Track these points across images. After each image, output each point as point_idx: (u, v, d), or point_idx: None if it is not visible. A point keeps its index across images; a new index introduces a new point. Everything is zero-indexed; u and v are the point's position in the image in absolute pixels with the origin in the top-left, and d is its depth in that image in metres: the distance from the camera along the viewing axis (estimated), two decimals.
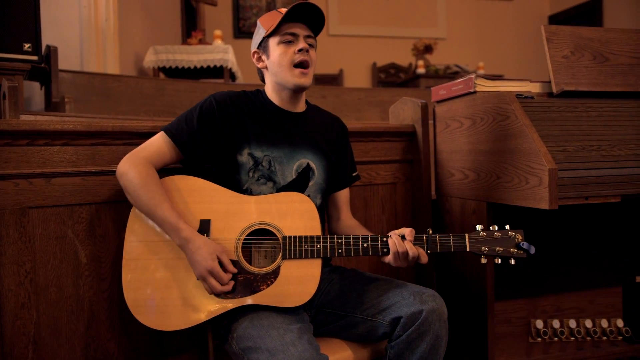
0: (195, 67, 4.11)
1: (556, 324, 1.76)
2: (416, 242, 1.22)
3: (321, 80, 6.53)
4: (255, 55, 1.41)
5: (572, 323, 1.78)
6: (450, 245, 1.23)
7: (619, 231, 1.82)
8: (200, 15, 4.76)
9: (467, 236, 1.24)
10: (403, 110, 1.97)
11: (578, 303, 1.81)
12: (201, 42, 4.23)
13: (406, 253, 1.19)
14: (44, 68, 2.68)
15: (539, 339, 1.75)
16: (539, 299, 1.78)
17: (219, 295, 1.19)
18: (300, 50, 1.31)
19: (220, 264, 1.18)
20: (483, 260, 1.24)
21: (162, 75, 4.30)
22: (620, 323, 1.81)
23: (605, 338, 1.80)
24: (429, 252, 1.23)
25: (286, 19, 1.31)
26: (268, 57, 1.36)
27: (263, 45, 1.38)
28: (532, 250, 1.21)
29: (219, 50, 4.05)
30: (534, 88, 1.71)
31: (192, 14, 5.49)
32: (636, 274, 1.85)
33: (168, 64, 4.06)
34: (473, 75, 1.65)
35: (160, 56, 4.05)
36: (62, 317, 1.34)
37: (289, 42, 1.32)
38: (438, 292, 1.92)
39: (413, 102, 1.91)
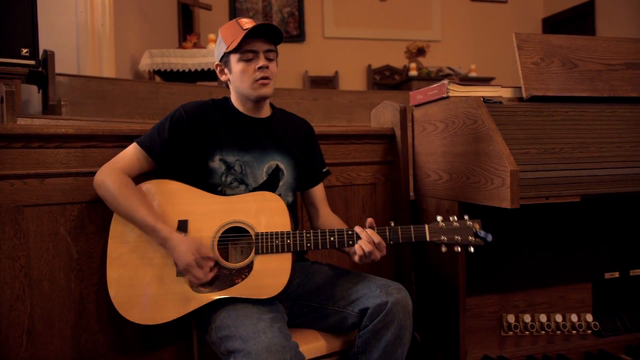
0: (189, 70, 4.20)
1: (527, 318, 1.84)
2: (379, 232, 1.31)
3: (317, 82, 6.61)
4: (218, 68, 1.47)
5: (543, 317, 1.86)
6: (411, 236, 1.32)
7: (590, 230, 1.90)
8: (196, 19, 4.84)
9: (427, 227, 1.33)
10: (383, 114, 2.06)
11: (549, 298, 1.90)
12: (196, 45, 4.32)
13: (378, 241, 1.28)
14: (41, 72, 2.76)
15: (511, 333, 1.84)
16: (511, 295, 1.86)
17: (202, 285, 1.28)
18: (260, 67, 1.38)
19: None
20: (443, 249, 1.33)
21: (157, 78, 4.39)
22: (589, 318, 1.90)
23: (575, 332, 1.88)
24: (391, 242, 1.32)
25: (247, 36, 1.36)
26: (230, 71, 1.43)
27: (224, 60, 1.43)
28: (489, 238, 1.29)
29: (212, 54, 4.14)
30: (505, 93, 1.80)
31: (190, 18, 5.57)
32: (605, 271, 1.93)
33: (163, 67, 4.14)
34: (446, 81, 1.73)
35: (155, 59, 4.14)
36: (54, 309, 1.43)
37: (249, 60, 1.38)
38: (417, 289, 2.02)
39: (392, 106, 2.00)
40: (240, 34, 1.36)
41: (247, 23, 1.38)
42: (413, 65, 5.69)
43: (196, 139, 1.40)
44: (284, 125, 1.54)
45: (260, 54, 1.39)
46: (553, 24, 7.35)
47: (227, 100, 1.50)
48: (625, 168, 1.55)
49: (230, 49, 1.38)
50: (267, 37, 1.40)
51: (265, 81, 1.39)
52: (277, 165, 1.46)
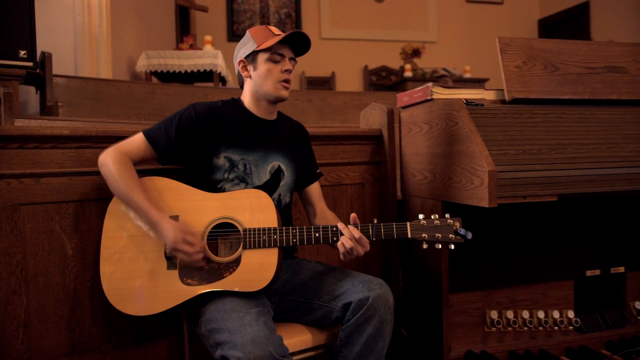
0: (186, 72, 4.25)
1: (510, 314, 1.90)
2: (362, 230, 1.37)
3: (313, 82, 6.67)
4: (241, 64, 1.54)
5: (526, 314, 1.91)
6: (393, 233, 1.38)
7: (572, 229, 1.96)
8: (192, 21, 4.89)
9: (408, 224, 1.38)
10: (372, 115, 2.11)
11: (531, 295, 1.95)
12: (192, 47, 4.37)
13: (358, 237, 1.34)
14: (39, 73, 2.81)
15: (494, 328, 1.89)
16: (494, 292, 1.91)
17: (193, 276, 1.33)
18: (286, 70, 1.48)
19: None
20: (424, 246, 1.38)
21: (154, 80, 4.44)
22: (571, 314, 1.95)
23: (557, 328, 1.94)
24: (374, 239, 1.37)
25: (280, 41, 1.45)
26: (255, 69, 1.50)
27: (251, 57, 1.50)
28: (469, 235, 1.34)
29: (208, 56, 4.19)
30: (489, 95, 1.85)
31: (186, 19, 5.62)
32: (587, 269, 1.99)
33: (160, 68, 4.20)
34: (430, 84, 1.79)
35: (152, 61, 4.19)
36: (49, 304, 1.48)
37: (277, 62, 1.47)
38: (404, 286, 2.07)
39: (380, 108, 2.05)
40: (274, 37, 1.46)
41: (276, 30, 1.50)
42: (408, 66, 5.75)
43: (204, 139, 1.45)
44: (285, 129, 1.61)
45: (287, 59, 1.49)
46: (548, 26, 7.42)
47: (237, 101, 1.57)
48: (601, 169, 1.60)
49: (262, 47, 1.46)
50: (293, 47, 1.50)
51: (287, 84, 1.50)
52: (279, 166, 1.54)
